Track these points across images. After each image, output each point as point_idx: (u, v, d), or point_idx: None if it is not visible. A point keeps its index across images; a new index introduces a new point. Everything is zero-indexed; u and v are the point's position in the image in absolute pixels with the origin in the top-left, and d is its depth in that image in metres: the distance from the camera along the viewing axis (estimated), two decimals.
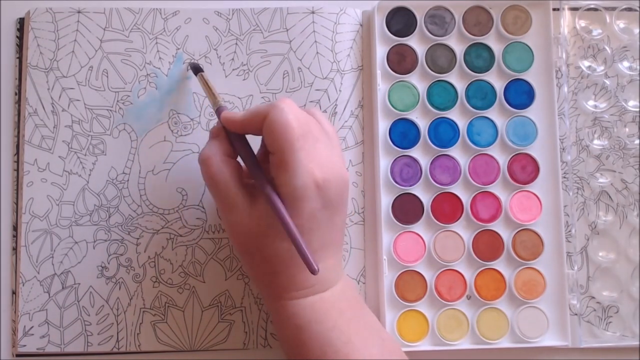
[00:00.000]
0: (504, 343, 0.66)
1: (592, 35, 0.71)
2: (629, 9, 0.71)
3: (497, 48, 0.69)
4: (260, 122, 0.55)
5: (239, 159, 0.59)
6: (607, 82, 0.71)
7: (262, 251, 0.56)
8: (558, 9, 0.70)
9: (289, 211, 0.54)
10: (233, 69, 0.69)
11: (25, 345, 0.65)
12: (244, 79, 0.69)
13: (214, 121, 0.68)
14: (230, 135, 0.59)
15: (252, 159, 0.58)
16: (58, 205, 0.67)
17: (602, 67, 0.71)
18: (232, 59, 0.69)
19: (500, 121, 0.68)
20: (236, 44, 0.69)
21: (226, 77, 0.69)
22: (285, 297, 0.57)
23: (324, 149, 0.56)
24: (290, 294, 0.56)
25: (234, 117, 0.58)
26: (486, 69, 0.69)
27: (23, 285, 0.66)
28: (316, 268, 0.52)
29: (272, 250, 0.56)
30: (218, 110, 0.60)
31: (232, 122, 0.58)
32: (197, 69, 0.66)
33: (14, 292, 0.66)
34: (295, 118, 0.54)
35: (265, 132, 0.55)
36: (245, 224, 0.56)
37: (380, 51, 0.69)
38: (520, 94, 0.69)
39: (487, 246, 0.67)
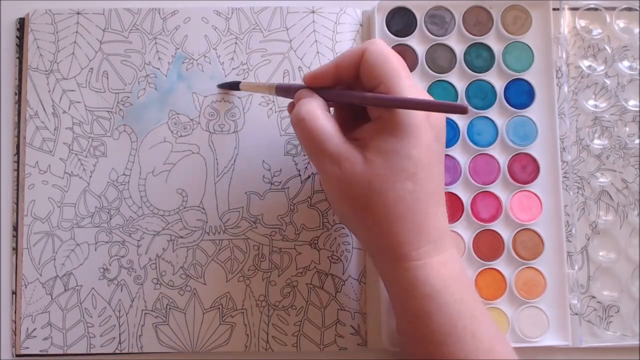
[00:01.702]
0: None
1: (592, 35, 0.71)
2: (629, 9, 0.71)
3: (497, 48, 0.69)
4: (356, 61, 0.54)
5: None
6: (608, 81, 0.70)
7: (382, 197, 0.52)
8: (558, 9, 0.70)
9: (407, 143, 0.51)
10: (233, 68, 0.69)
11: (28, 348, 0.65)
12: (244, 78, 0.69)
13: (215, 121, 0.68)
14: (322, 93, 0.56)
15: (359, 92, 0.55)
16: (59, 207, 0.67)
17: (602, 67, 0.71)
18: (232, 58, 0.69)
19: (500, 121, 0.68)
20: (236, 43, 0.69)
21: (226, 76, 0.69)
22: (409, 256, 0.53)
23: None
24: (416, 251, 0.53)
25: (323, 70, 0.56)
26: (486, 68, 0.69)
27: (25, 287, 0.66)
28: (465, 105, 0.47)
29: (394, 194, 0.52)
30: (278, 88, 0.60)
31: (322, 75, 0.56)
32: (233, 85, 0.67)
33: (14, 292, 0.66)
34: (391, 50, 0.54)
35: (367, 65, 0.53)
36: (360, 172, 0.52)
37: None
38: (520, 94, 0.69)
39: (487, 246, 0.67)
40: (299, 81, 0.69)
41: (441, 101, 0.50)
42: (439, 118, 0.54)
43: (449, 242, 0.55)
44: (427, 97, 0.55)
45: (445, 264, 0.54)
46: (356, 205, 0.53)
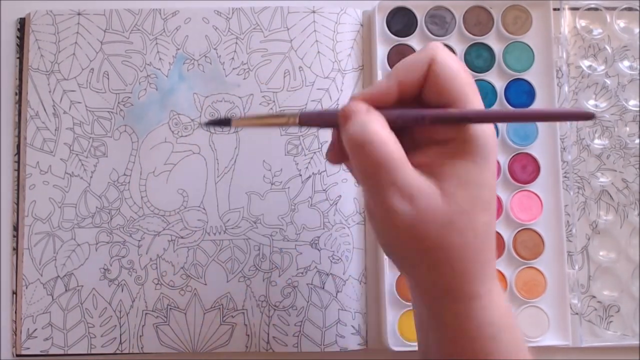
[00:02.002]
0: None
1: (593, 35, 0.71)
2: (629, 9, 0.71)
3: (497, 48, 0.69)
4: (421, 74, 0.45)
5: None
6: (608, 81, 0.70)
7: (462, 235, 0.44)
8: (558, 9, 0.70)
9: (482, 169, 0.44)
10: (233, 68, 0.69)
11: (29, 348, 0.65)
12: (244, 78, 0.69)
13: None
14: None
15: (433, 110, 0.45)
16: (60, 207, 0.67)
17: (602, 67, 0.71)
18: (232, 58, 0.69)
19: None
20: (236, 43, 0.69)
21: (226, 76, 0.69)
22: (474, 293, 0.45)
23: None
24: (483, 287, 0.45)
25: (381, 88, 0.46)
26: (487, 68, 0.69)
27: (26, 287, 0.66)
28: (592, 112, 0.41)
29: (473, 230, 0.44)
30: (302, 117, 0.47)
31: (380, 95, 0.46)
32: (224, 122, 0.49)
33: (14, 293, 0.66)
34: (459, 62, 0.46)
35: (436, 81, 0.44)
36: (440, 209, 0.43)
37: (381, 51, 0.69)
38: (520, 94, 0.69)
39: None
40: (299, 81, 0.69)
41: (565, 109, 0.42)
42: (494, 134, 0.46)
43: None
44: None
45: (503, 297, 0.47)
46: (429, 246, 0.44)
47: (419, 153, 0.46)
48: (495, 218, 0.47)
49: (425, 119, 0.45)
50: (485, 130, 0.45)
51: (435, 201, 0.43)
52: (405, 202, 0.43)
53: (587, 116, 0.42)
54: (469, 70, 0.49)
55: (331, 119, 0.47)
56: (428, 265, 0.45)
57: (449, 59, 0.45)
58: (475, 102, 0.45)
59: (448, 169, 0.44)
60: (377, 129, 0.43)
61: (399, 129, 0.45)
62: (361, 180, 0.46)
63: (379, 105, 0.45)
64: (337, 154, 0.48)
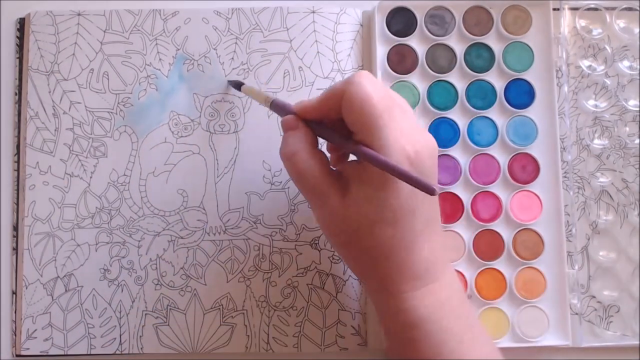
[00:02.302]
0: (505, 343, 0.66)
1: (592, 35, 0.71)
2: (629, 9, 0.71)
3: (497, 48, 0.69)
4: (338, 102, 0.52)
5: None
6: (608, 81, 0.70)
7: (364, 240, 0.52)
8: (558, 9, 0.70)
9: (385, 194, 0.50)
10: (233, 68, 0.69)
11: (28, 349, 0.65)
12: (244, 78, 0.69)
13: (215, 122, 0.68)
14: (309, 123, 0.55)
15: (339, 136, 0.54)
16: (60, 208, 0.67)
17: (602, 67, 0.71)
18: (232, 58, 0.69)
19: (500, 121, 0.68)
20: (236, 43, 0.69)
21: (226, 76, 0.69)
22: (393, 290, 0.53)
23: (409, 119, 0.53)
24: (399, 286, 0.53)
25: (309, 104, 0.55)
26: (486, 68, 0.69)
27: (26, 288, 0.66)
28: (433, 187, 0.46)
29: (374, 237, 0.52)
30: (273, 104, 0.59)
31: (308, 110, 0.55)
32: (238, 85, 0.66)
33: (14, 293, 0.66)
34: (374, 90, 0.51)
35: (345, 111, 0.52)
36: (342, 213, 0.52)
37: (381, 51, 0.69)
38: (520, 94, 0.69)
39: (487, 246, 0.67)
40: (298, 81, 0.69)
41: (412, 175, 0.47)
42: (427, 159, 0.52)
43: (441, 270, 0.55)
44: (415, 141, 0.51)
45: (433, 292, 0.54)
46: (339, 241, 0.55)
47: (347, 165, 0.56)
48: (411, 230, 0.52)
49: (334, 141, 0.55)
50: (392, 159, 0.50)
51: (340, 208, 0.53)
52: (320, 203, 0.54)
53: (430, 190, 0.46)
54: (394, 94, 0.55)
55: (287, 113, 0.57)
56: (348, 257, 0.56)
57: (358, 92, 0.51)
58: (380, 132, 0.50)
59: (355, 185, 0.53)
60: (297, 148, 0.54)
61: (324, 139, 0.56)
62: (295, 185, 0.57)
63: (306, 117, 0.55)
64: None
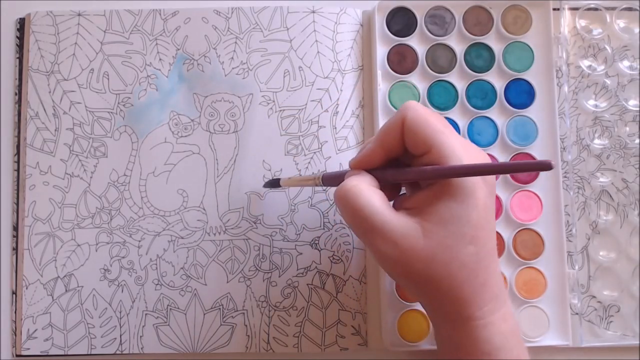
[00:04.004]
0: None
1: (593, 35, 0.71)
2: (629, 9, 0.71)
3: (497, 48, 0.69)
4: (399, 132, 0.51)
5: None
6: (608, 81, 0.70)
7: (447, 267, 0.50)
8: (558, 9, 0.70)
9: (465, 207, 0.49)
10: (232, 68, 0.69)
11: (29, 349, 0.65)
12: (243, 78, 0.69)
13: (215, 121, 0.68)
14: (374, 172, 0.54)
15: (408, 167, 0.53)
16: (60, 208, 0.67)
17: (602, 67, 0.71)
18: (232, 57, 0.69)
19: (500, 121, 0.68)
20: (235, 42, 0.69)
21: (225, 75, 0.69)
22: (475, 315, 0.51)
23: (459, 136, 0.53)
24: (480, 310, 0.51)
25: (369, 151, 0.53)
26: (486, 68, 0.69)
27: (26, 288, 0.66)
28: (549, 161, 0.44)
29: (457, 262, 0.50)
30: (324, 178, 0.59)
31: (370, 157, 0.53)
32: (275, 184, 0.66)
33: (14, 293, 0.66)
34: (428, 112, 0.52)
35: (411, 134, 0.51)
36: (421, 247, 0.49)
37: (381, 51, 0.69)
38: (520, 94, 0.69)
39: None
40: (298, 81, 0.69)
41: (513, 162, 0.47)
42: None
43: (506, 294, 0.54)
44: (479, 152, 0.53)
45: (505, 319, 0.53)
46: (418, 280, 0.51)
47: (409, 199, 0.53)
48: (488, 248, 0.52)
49: (405, 179, 0.53)
50: None
51: (417, 240, 0.50)
52: (388, 244, 0.50)
53: (547, 166, 0.45)
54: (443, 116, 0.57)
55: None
56: (423, 295, 0.53)
57: (417, 114, 0.51)
58: (447, 151, 0.50)
59: (430, 209, 0.50)
60: (355, 182, 0.51)
61: (395, 182, 0.56)
62: (353, 231, 0.57)
63: (369, 166, 0.54)
64: None
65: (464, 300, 0.51)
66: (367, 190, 0.51)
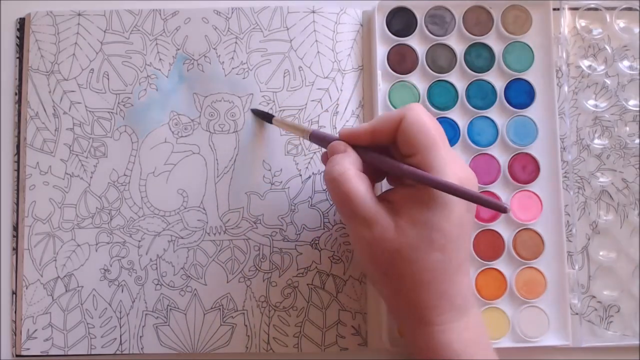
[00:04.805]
0: (505, 343, 0.66)
1: (593, 35, 0.71)
2: (629, 9, 0.71)
3: (497, 48, 0.69)
4: (393, 127, 0.54)
5: None
6: (608, 81, 0.70)
7: (410, 265, 0.52)
8: (558, 9, 0.70)
9: (438, 217, 0.52)
10: (232, 68, 0.69)
11: (29, 349, 0.65)
12: (243, 78, 0.69)
13: (215, 121, 0.68)
14: (357, 149, 0.56)
15: (391, 159, 0.55)
16: (60, 208, 0.67)
17: (602, 67, 0.71)
18: (232, 57, 0.69)
19: (500, 121, 0.68)
20: (236, 42, 0.69)
21: (225, 75, 0.69)
22: (433, 321, 0.53)
23: (452, 150, 0.55)
24: (438, 317, 0.53)
25: (360, 130, 0.56)
26: (486, 68, 0.69)
27: (26, 288, 0.66)
28: (506, 206, 0.48)
29: (422, 264, 0.52)
30: (312, 135, 0.60)
31: (358, 135, 0.56)
32: (266, 116, 0.67)
33: (14, 293, 0.66)
34: (430, 118, 0.54)
35: (405, 134, 0.53)
36: (390, 238, 0.52)
37: (381, 51, 0.69)
38: (520, 94, 0.69)
39: (487, 246, 0.67)
40: (298, 81, 0.69)
41: (479, 194, 0.49)
42: (472, 187, 0.53)
43: (473, 305, 0.55)
44: (464, 168, 0.54)
45: (468, 328, 0.54)
46: (383, 269, 0.54)
47: (392, 191, 0.56)
48: (456, 259, 0.53)
49: (385, 166, 0.55)
50: None
51: (389, 231, 0.52)
52: (364, 227, 0.53)
53: (502, 209, 0.49)
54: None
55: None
56: (388, 287, 0.55)
57: (417, 117, 0.53)
58: (438, 157, 0.52)
59: (405, 209, 0.53)
60: (345, 168, 0.54)
61: (373, 166, 0.57)
62: (336, 209, 0.58)
63: (353, 143, 0.56)
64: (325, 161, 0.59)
65: (423, 303, 0.53)
66: (355, 177, 0.53)
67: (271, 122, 0.66)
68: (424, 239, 0.51)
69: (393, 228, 0.52)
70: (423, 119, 0.53)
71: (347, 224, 0.56)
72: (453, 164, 0.52)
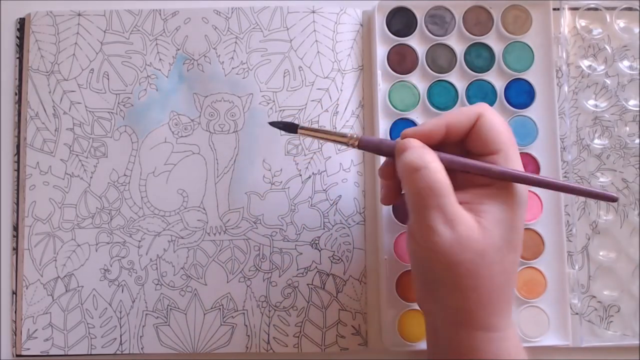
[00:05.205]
0: None
1: (593, 35, 0.71)
2: (629, 9, 0.71)
3: (497, 48, 0.69)
4: (469, 124, 0.52)
5: None
6: (608, 81, 0.70)
7: (492, 267, 0.49)
8: (558, 9, 0.70)
9: (516, 216, 0.50)
10: (232, 68, 0.69)
11: (29, 349, 0.65)
12: (243, 78, 0.69)
13: (215, 121, 0.68)
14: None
15: (470, 160, 0.52)
16: (60, 208, 0.67)
17: (602, 67, 0.71)
18: (232, 57, 0.69)
19: None
20: (236, 42, 0.69)
21: (225, 75, 0.69)
22: (497, 327, 0.51)
23: None
24: (503, 321, 0.51)
25: (432, 127, 0.52)
26: (486, 68, 0.69)
27: (27, 288, 0.66)
28: (615, 195, 0.47)
29: (502, 266, 0.50)
30: (362, 141, 0.55)
31: (430, 131, 0.52)
32: (291, 127, 0.58)
33: (14, 293, 0.66)
34: (502, 119, 0.52)
35: (484, 132, 0.51)
36: (476, 238, 0.49)
37: (381, 51, 0.69)
38: (520, 94, 0.69)
39: None
40: (298, 81, 0.69)
41: (586, 187, 0.48)
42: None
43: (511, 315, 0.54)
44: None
45: (507, 339, 0.52)
46: (462, 271, 0.49)
47: (461, 192, 0.51)
48: (518, 260, 0.52)
49: (471, 170, 0.52)
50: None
51: (473, 231, 0.49)
52: (447, 226, 0.49)
53: (612, 199, 0.48)
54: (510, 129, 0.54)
55: (387, 149, 0.54)
56: (456, 289, 0.50)
57: (495, 117, 0.52)
58: (513, 158, 0.51)
59: (487, 207, 0.50)
60: (431, 158, 0.50)
61: (459, 170, 0.53)
62: (410, 203, 0.51)
63: (426, 141, 0.52)
64: (386, 174, 0.56)
65: (493, 306, 0.51)
66: (443, 171, 0.49)
67: (296, 132, 0.57)
68: (505, 239, 0.50)
69: (477, 228, 0.49)
70: (500, 118, 0.52)
71: (422, 219, 0.50)
72: (522, 165, 0.52)
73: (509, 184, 0.51)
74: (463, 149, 0.54)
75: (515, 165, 0.51)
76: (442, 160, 0.51)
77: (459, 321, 0.52)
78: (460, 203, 0.50)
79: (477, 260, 0.49)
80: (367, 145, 0.55)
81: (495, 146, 0.51)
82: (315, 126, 0.68)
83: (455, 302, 0.51)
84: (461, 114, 0.52)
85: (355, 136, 0.55)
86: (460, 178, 0.53)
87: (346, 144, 0.55)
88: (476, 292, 0.50)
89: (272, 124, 0.59)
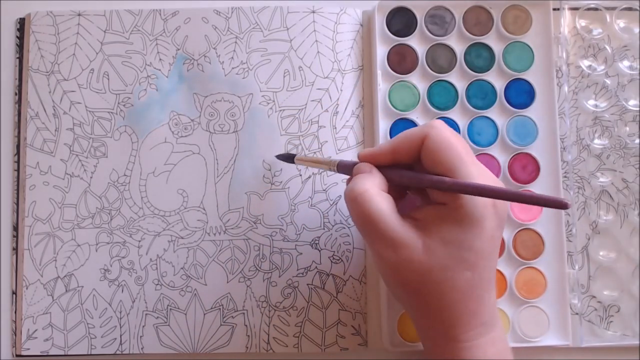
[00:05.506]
0: None
1: (593, 35, 0.71)
2: (629, 9, 0.71)
3: (497, 48, 0.69)
4: (416, 145, 0.52)
5: None
6: (608, 81, 0.70)
7: (440, 285, 0.51)
8: (558, 9, 0.70)
9: (470, 235, 0.50)
10: (232, 68, 0.69)
11: (29, 349, 0.65)
12: (243, 78, 0.69)
13: (215, 121, 0.68)
14: (383, 170, 0.54)
15: (418, 174, 0.53)
16: (60, 208, 0.67)
17: (602, 67, 0.71)
18: (232, 57, 0.69)
19: (500, 121, 0.68)
20: (236, 42, 0.69)
21: (225, 75, 0.69)
22: (460, 338, 0.52)
23: (481, 163, 0.53)
24: (466, 334, 0.52)
25: (380, 150, 0.54)
26: (486, 68, 0.69)
27: (26, 288, 0.66)
28: (566, 201, 0.45)
29: (452, 283, 0.51)
30: (339, 165, 0.58)
31: (379, 155, 0.54)
32: (289, 157, 0.66)
33: (14, 293, 0.66)
34: (453, 134, 0.52)
35: (430, 152, 0.51)
36: (418, 259, 0.50)
37: (381, 51, 0.69)
38: (520, 94, 0.69)
39: None
40: (298, 81, 0.69)
41: (530, 193, 0.48)
42: (505, 204, 0.53)
43: (498, 320, 0.55)
44: (495, 181, 0.53)
45: (493, 343, 0.53)
46: (410, 290, 0.53)
47: (418, 210, 0.53)
48: (485, 277, 0.52)
49: (423, 184, 0.52)
50: (479, 201, 0.51)
51: (417, 253, 0.51)
52: (389, 250, 0.51)
53: (562, 205, 0.46)
54: (470, 143, 0.59)
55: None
56: (414, 307, 0.54)
57: (440, 136, 0.52)
58: (467, 173, 0.50)
59: (435, 228, 0.51)
60: (368, 186, 0.52)
61: (406, 188, 0.57)
62: (357, 229, 0.55)
63: (377, 162, 0.55)
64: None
65: (451, 321, 0.52)
66: (377, 197, 0.51)
67: (294, 162, 0.65)
68: (454, 258, 0.50)
69: (421, 249, 0.51)
70: (447, 135, 0.52)
71: (370, 246, 0.53)
72: (483, 178, 0.51)
73: (459, 206, 0.51)
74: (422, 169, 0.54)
75: (469, 179, 0.50)
76: (392, 178, 0.54)
77: (422, 332, 0.56)
78: (416, 220, 0.52)
79: (422, 280, 0.51)
80: (342, 168, 0.58)
81: (445, 165, 0.51)
82: (311, 155, 0.68)
83: (414, 315, 0.56)
84: (406, 138, 0.53)
85: (335, 162, 0.59)
86: (423, 194, 0.55)
87: (329, 169, 0.60)
88: (427, 309, 0.53)
89: (278, 157, 0.67)
